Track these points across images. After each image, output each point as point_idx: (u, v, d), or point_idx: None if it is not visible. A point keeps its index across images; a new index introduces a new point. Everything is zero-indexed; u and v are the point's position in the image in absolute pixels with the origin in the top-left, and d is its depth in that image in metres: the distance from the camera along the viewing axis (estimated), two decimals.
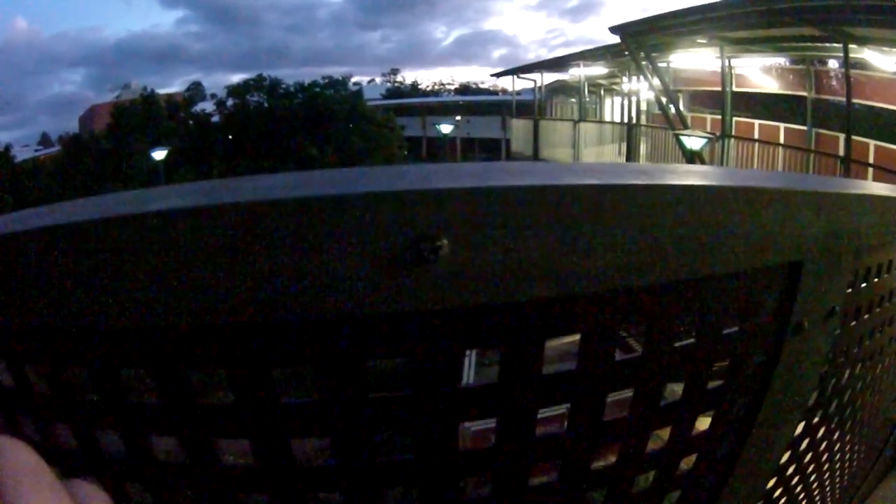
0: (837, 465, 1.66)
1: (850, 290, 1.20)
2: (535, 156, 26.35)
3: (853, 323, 1.29)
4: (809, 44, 15.78)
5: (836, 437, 1.55)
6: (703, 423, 1.10)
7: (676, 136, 15.51)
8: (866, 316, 1.33)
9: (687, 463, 1.12)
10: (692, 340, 1.00)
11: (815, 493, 1.59)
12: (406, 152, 39.20)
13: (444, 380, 0.83)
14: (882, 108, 15.90)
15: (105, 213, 0.69)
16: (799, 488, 1.50)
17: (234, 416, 0.78)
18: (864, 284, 1.24)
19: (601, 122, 28.54)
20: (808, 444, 1.42)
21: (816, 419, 1.39)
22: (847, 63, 13.92)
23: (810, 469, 1.51)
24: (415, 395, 0.83)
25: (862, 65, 15.21)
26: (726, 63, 18.53)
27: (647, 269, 0.85)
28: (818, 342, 1.17)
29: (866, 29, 12.75)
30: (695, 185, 0.87)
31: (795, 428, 1.32)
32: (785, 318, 1.07)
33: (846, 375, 1.40)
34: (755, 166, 16.35)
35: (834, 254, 1.10)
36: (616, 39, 17.90)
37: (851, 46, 13.74)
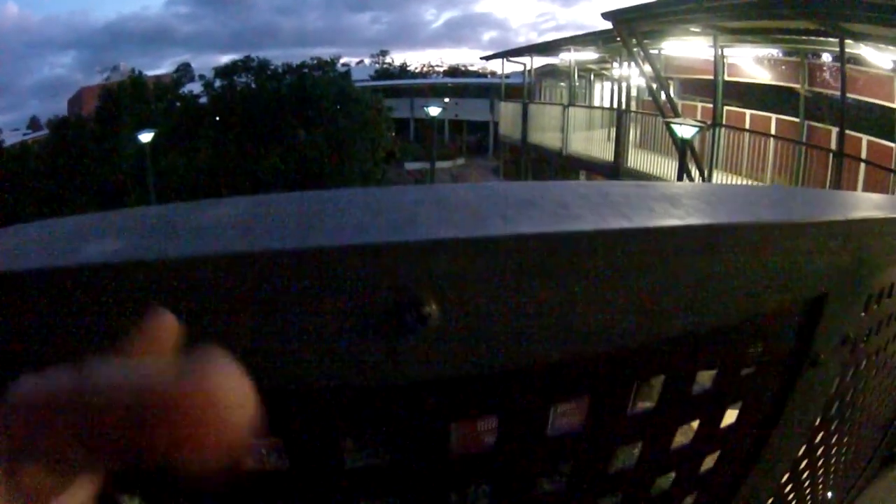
0: (833, 466, 1.65)
1: (863, 315, 1.16)
2: (524, 139, 26.40)
3: (863, 345, 1.27)
4: (805, 37, 15.78)
5: (834, 440, 1.54)
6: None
7: (667, 124, 15.46)
8: (875, 336, 1.31)
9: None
10: (707, 387, 0.96)
11: (810, 494, 1.58)
12: (394, 134, 39.23)
13: (432, 451, 0.76)
14: (875, 104, 15.91)
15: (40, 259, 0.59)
16: (797, 491, 1.49)
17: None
18: (875, 307, 1.20)
19: (591, 107, 28.58)
20: (809, 451, 1.41)
21: (820, 431, 1.39)
22: (843, 58, 13.89)
23: (807, 474, 1.50)
24: (398, 464, 0.77)
25: (857, 60, 15.22)
26: (719, 52, 18.51)
27: (665, 320, 0.78)
28: (832, 369, 1.15)
29: (864, 25, 12.73)
30: (724, 225, 0.79)
31: (802, 445, 1.31)
32: (803, 353, 1.03)
33: (851, 390, 1.41)
34: (746, 156, 16.38)
35: (857, 282, 1.05)
36: (608, 25, 17.84)
37: (848, 42, 13.70)
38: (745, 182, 15.12)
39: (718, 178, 16.06)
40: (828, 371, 1.12)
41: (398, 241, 0.62)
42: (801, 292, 0.94)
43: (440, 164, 34.91)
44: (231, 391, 0.33)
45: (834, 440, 1.51)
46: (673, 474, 1.04)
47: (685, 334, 0.81)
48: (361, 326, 0.62)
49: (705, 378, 0.96)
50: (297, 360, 0.62)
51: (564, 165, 27.40)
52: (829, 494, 1.70)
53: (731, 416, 1.03)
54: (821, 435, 1.40)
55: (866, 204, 1.10)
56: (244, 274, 0.58)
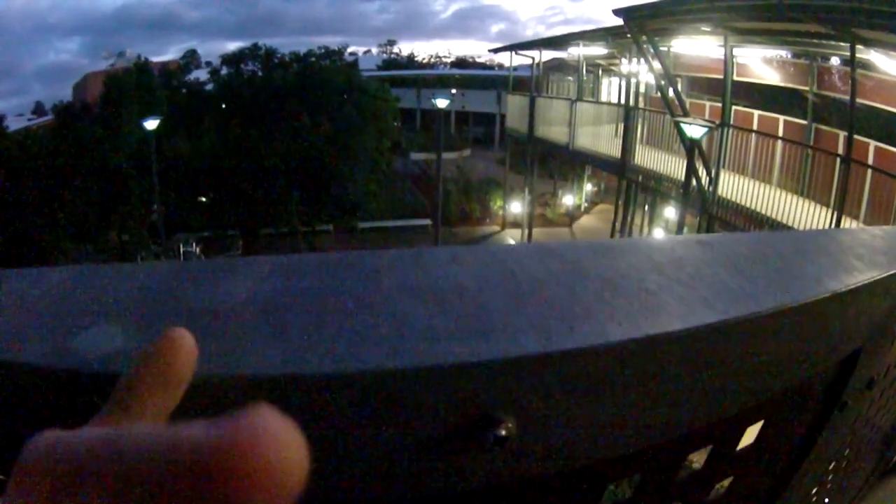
0: (841, 480, 1.64)
1: (888, 353, 1.15)
2: (530, 133, 26.35)
3: (884, 379, 1.25)
4: (815, 40, 15.72)
5: (845, 463, 1.54)
6: None
7: (676, 123, 15.39)
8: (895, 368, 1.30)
9: None
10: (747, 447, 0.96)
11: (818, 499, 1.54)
12: (400, 124, 39.18)
13: None
14: (884, 110, 15.84)
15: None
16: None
17: None
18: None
19: (598, 102, 28.54)
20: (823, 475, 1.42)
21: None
22: (853, 63, 13.82)
23: (816, 490, 1.47)
24: None
25: (866, 65, 15.14)
26: (729, 52, 18.45)
27: (720, 402, 0.77)
28: (858, 409, 1.16)
29: (875, 32, 12.68)
30: (794, 307, 0.76)
31: (820, 474, 1.32)
32: (833, 401, 1.03)
33: (867, 420, 1.40)
34: (752, 157, 16.32)
35: (890, 330, 1.05)
36: (618, 21, 17.78)
37: (858, 47, 13.62)
38: (752, 183, 15.05)
39: (725, 178, 16.00)
40: (853, 412, 1.13)
41: (476, 361, 0.56)
42: (838, 353, 0.94)
43: (446, 156, 34.85)
44: (287, 454, 0.30)
45: (844, 464, 1.52)
46: None
47: (735, 412, 0.81)
48: (430, 447, 0.58)
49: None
50: (351, 483, 0.58)
51: (571, 160, 27.40)
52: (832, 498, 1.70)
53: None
54: (834, 463, 1.41)
55: (891, 242, 1.08)
56: (285, 398, 0.52)
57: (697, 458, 0.96)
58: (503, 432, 0.57)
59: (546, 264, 0.75)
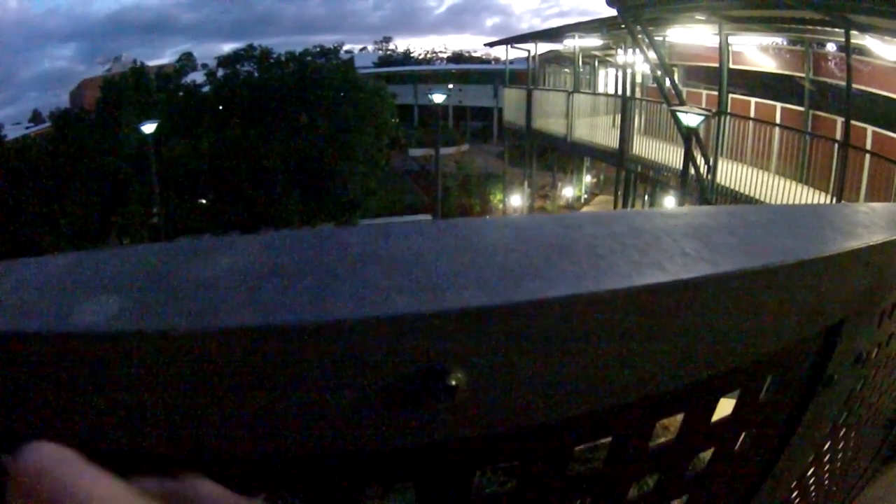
0: (838, 468, 1.65)
1: (876, 330, 1.15)
2: (528, 126, 26.37)
3: (874, 356, 1.26)
4: (809, 26, 15.72)
5: (841, 445, 1.55)
6: None
7: (672, 112, 15.41)
8: (886, 347, 1.31)
9: None
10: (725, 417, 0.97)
11: (815, 495, 1.58)
12: (397, 120, 39.13)
13: (457, 499, 0.75)
14: (880, 95, 15.83)
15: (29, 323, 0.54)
16: (803, 496, 1.50)
17: None
18: (888, 320, 1.19)
19: (595, 93, 28.55)
20: (816, 459, 1.43)
21: (828, 440, 1.40)
22: (848, 48, 13.83)
23: (814, 479, 1.51)
24: None
25: (861, 51, 15.12)
26: (724, 40, 18.44)
27: (689, 364, 0.78)
28: (845, 386, 1.16)
29: (869, 17, 12.68)
30: (758, 270, 0.77)
31: (811, 458, 1.32)
32: (818, 375, 1.04)
33: (860, 400, 1.41)
34: (750, 145, 16.34)
35: (875, 304, 1.06)
36: (612, 12, 17.78)
37: (853, 32, 13.63)
38: (750, 170, 15.06)
39: (724, 166, 16.02)
40: (841, 389, 1.13)
41: (423, 312, 0.60)
42: (820, 321, 0.94)
43: (445, 151, 34.82)
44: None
45: (840, 445, 1.52)
46: (686, 497, 1.05)
47: (707, 376, 0.82)
48: (385, 396, 0.60)
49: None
50: (315, 431, 0.60)
51: (569, 152, 27.40)
52: (833, 493, 1.70)
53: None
54: (828, 443, 1.41)
55: (881, 220, 1.08)
56: (257, 349, 0.56)
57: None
58: (452, 382, 0.60)
59: (503, 234, 0.78)
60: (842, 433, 1.46)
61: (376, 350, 0.58)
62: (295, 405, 0.58)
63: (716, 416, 0.95)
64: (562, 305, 0.64)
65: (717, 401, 0.90)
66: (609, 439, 0.84)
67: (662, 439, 0.93)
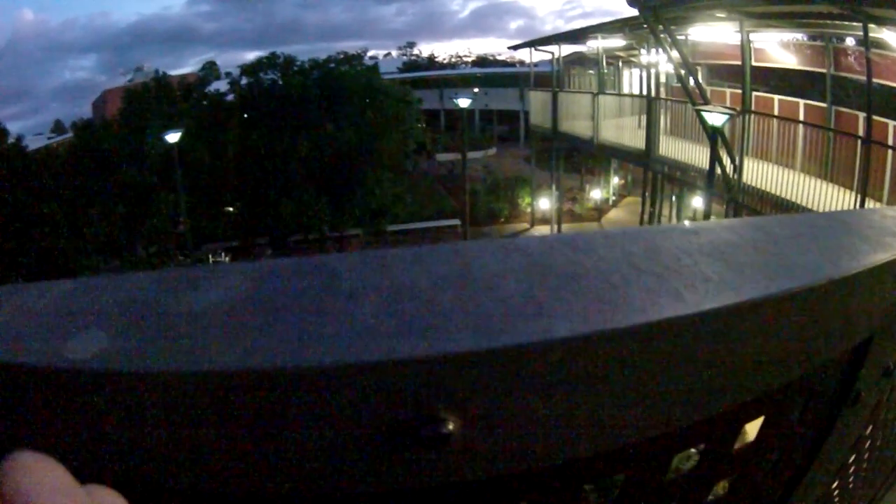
0: (862, 477, 1.61)
1: None
2: (555, 128, 26.27)
3: None
4: (828, 21, 15.54)
5: (866, 456, 1.51)
6: None
7: (697, 112, 15.29)
8: None
9: None
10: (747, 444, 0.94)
11: (841, 494, 1.52)
12: (424, 125, 39.07)
13: None
14: None
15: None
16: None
17: None
18: None
19: (620, 94, 28.41)
20: (840, 472, 1.37)
21: (852, 453, 1.36)
22: (867, 42, 13.68)
23: (838, 492, 1.46)
24: None
25: (880, 44, 14.92)
26: (745, 37, 18.30)
27: (708, 397, 0.74)
28: (871, 400, 1.11)
29: (887, 10, 12.53)
30: (784, 294, 0.72)
31: (837, 468, 1.26)
32: (845, 393, 1.00)
33: (885, 411, 1.37)
34: (775, 143, 16.20)
35: None
36: (634, 12, 17.68)
37: (871, 26, 13.48)
38: (775, 169, 14.92)
39: (749, 164, 15.88)
40: (867, 404, 1.09)
41: (412, 357, 0.57)
42: (849, 340, 0.90)
43: (472, 155, 34.78)
44: None
45: (866, 456, 1.48)
46: None
47: (729, 407, 0.78)
48: (371, 444, 0.59)
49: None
50: (297, 474, 0.59)
51: (596, 154, 27.27)
52: (857, 500, 1.66)
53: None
54: (853, 456, 1.37)
55: None
56: (237, 392, 0.55)
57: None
58: (444, 430, 0.58)
59: (507, 261, 0.74)
60: (867, 445, 1.42)
61: (361, 397, 0.57)
62: (276, 448, 0.58)
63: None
64: (566, 346, 0.61)
65: (739, 431, 0.88)
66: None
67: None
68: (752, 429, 0.94)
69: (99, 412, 0.55)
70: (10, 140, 29.92)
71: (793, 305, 0.73)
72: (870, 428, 1.33)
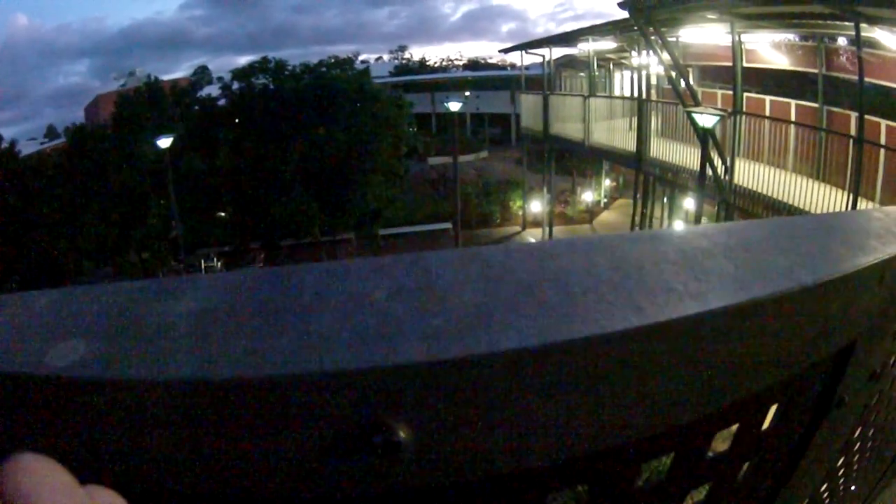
0: (854, 477, 1.62)
1: (892, 342, 1.11)
2: (546, 131, 26.36)
3: (890, 368, 1.21)
4: (820, 21, 15.62)
5: (856, 459, 1.51)
6: None
7: (688, 113, 15.35)
8: None
9: None
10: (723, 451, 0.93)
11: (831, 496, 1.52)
12: (415, 129, 39.18)
13: None
14: (893, 88, 15.71)
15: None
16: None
17: None
18: None
19: (611, 96, 28.57)
20: (829, 475, 1.37)
21: (841, 456, 1.36)
22: (859, 42, 13.73)
23: (827, 494, 1.46)
24: None
25: (873, 44, 15.01)
26: (736, 38, 18.38)
27: (677, 407, 0.73)
28: (858, 404, 1.11)
29: (878, 9, 12.59)
30: (758, 300, 0.71)
31: (825, 470, 1.27)
32: (829, 396, 0.99)
33: (874, 413, 1.37)
34: (766, 143, 16.26)
35: (890, 320, 1.00)
36: (625, 14, 17.76)
37: (863, 25, 13.53)
38: (767, 169, 14.99)
39: (741, 165, 15.94)
40: (853, 408, 1.08)
41: (361, 367, 0.57)
42: (829, 345, 0.89)
43: (464, 158, 34.94)
44: None
45: (855, 458, 1.49)
46: None
47: (699, 416, 0.77)
48: (323, 451, 0.58)
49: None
50: (253, 480, 0.60)
51: (587, 156, 27.37)
52: (849, 501, 1.66)
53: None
54: (842, 459, 1.37)
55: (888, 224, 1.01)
56: (195, 399, 0.56)
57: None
58: (396, 438, 0.58)
59: (466, 270, 0.73)
60: (856, 447, 1.42)
61: (312, 405, 0.57)
62: (231, 454, 0.58)
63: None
64: (513, 358, 0.60)
65: (711, 439, 0.86)
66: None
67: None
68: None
69: (80, 417, 0.56)
70: (4, 145, 29.99)
71: (762, 313, 0.72)
72: (859, 431, 1.33)
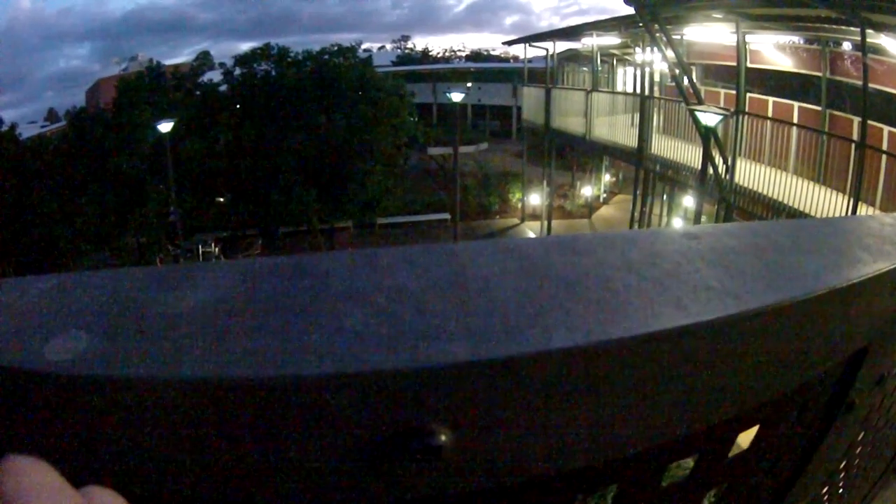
0: (855, 479, 1.61)
1: None
2: (547, 125, 26.35)
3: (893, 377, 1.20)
4: (825, 24, 15.61)
5: (857, 461, 1.51)
6: None
7: (691, 112, 15.34)
8: None
9: None
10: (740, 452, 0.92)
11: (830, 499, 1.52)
12: (416, 119, 39.13)
13: None
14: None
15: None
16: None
17: None
18: None
19: (614, 92, 28.52)
20: (831, 476, 1.36)
21: (844, 458, 1.35)
22: (864, 47, 13.71)
23: (828, 495, 1.45)
24: None
25: (878, 50, 14.98)
26: (741, 38, 18.36)
27: (707, 411, 0.73)
28: (866, 406, 1.10)
29: (884, 16, 12.57)
30: (786, 304, 0.70)
31: (829, 473, 1.27)
32: (839, 401, 0.99)
33: (878, 417, 1.36)
34: (768, 144, 16.25)
35: None
36: (630, 10, 17.71)
37: (869, 31, 13.51)
38: (768, 170, 14.98)
39: (742, 165, 15.93)
40: (861, 411, 1.08)
41: (400, 368, 0.54)
42: (845, 349, 0.89)
43: (464, 149, 34.81)
44: None
45: (857, 462, 1.48)
46: None
47: (716, 421, 0.76)
48: (359, 456, 0.56)
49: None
50: (281, 486, 0.57)
51: (588, 151, 27.35)
52: (848, 501, 1.66)
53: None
54: (844, 462, 1.37)
55: None
56: (217, 401, 0.53)
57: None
58: (435, 442, 0.56)
59: (502, 263, 0.71)
60: (858, 450, 1.41)
61: (346, 408, 0.54)
62: (260, 460, 0.55)
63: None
64: (564, 356, 0.59)
65: (733, 441, 0.86)
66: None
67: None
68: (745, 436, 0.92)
69: (80, 416, 0.53)
70: (5, 128, 29.91)
71: (794, 314, 0.72)
72: (861, 434, 1.32)
